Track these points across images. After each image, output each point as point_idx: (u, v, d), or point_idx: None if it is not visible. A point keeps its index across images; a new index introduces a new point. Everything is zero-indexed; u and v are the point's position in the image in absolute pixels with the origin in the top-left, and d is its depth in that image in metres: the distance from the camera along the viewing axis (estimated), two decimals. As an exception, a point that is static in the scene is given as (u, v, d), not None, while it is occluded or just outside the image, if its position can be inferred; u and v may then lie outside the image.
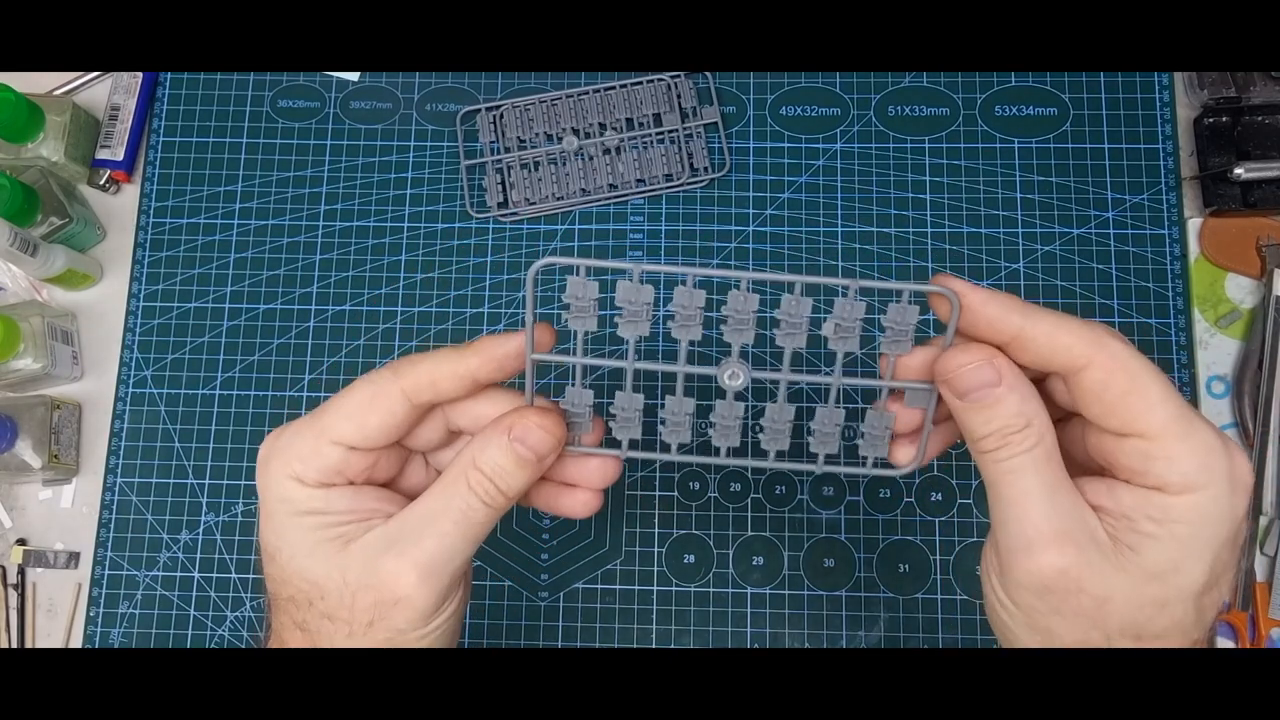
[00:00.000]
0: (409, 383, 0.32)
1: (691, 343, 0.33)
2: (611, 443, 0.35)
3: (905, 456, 0.34)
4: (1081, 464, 0.33)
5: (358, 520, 0.33)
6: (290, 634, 0.34)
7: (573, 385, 0.34)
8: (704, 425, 0.35)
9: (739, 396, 0.33)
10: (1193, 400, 0.55)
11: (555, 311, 0.58)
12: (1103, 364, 0.29)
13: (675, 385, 0.34)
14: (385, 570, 0.31)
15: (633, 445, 0.34)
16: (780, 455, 0.34)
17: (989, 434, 0.30)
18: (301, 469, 0.32)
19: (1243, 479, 0.29)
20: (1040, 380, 0.33)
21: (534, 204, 0.59)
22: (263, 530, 0.34)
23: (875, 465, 0.33)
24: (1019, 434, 0.30)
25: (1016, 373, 0.30)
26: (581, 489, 0.36)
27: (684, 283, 0.32)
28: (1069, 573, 0.29)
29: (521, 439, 0.32)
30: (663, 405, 0.34)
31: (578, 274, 0.32)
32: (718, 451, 0.34)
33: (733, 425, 0.34)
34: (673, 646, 0.54)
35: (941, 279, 0.32)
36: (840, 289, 0.32)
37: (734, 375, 0.32)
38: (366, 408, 0.32)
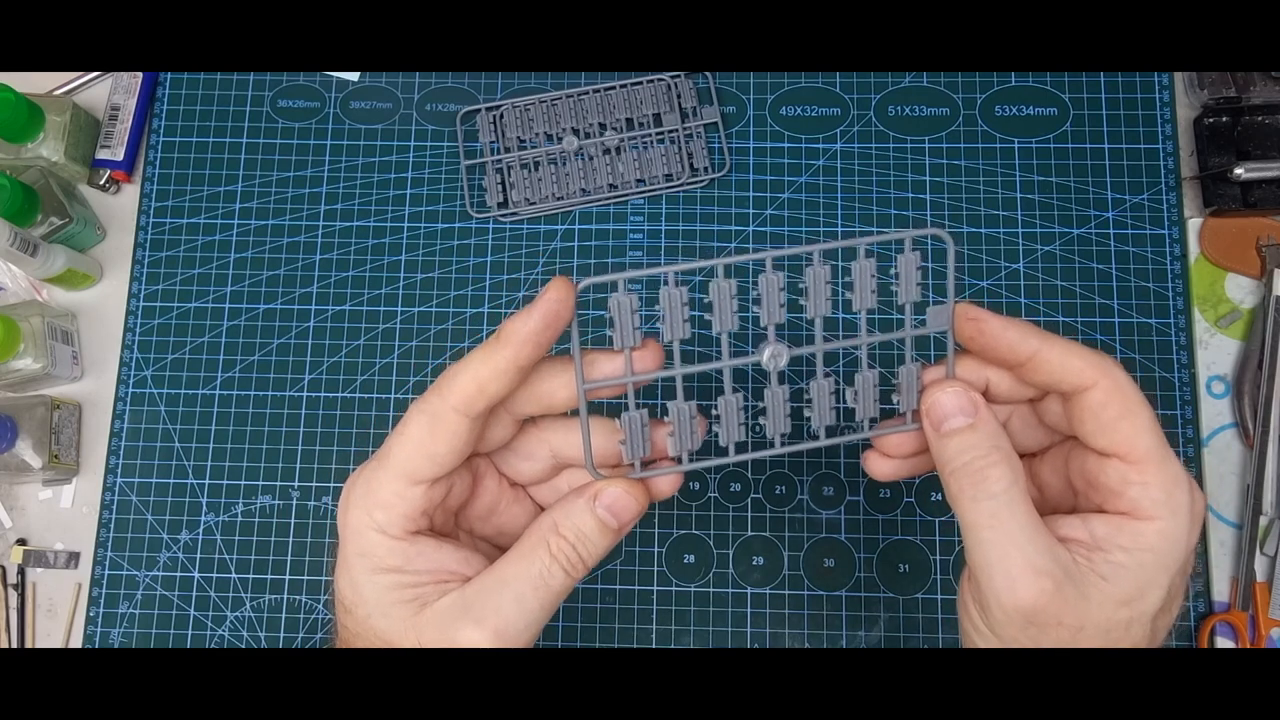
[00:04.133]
0: (459, 399, 0.32)
1: (729, 334, 0.34)
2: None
3: (880, 468, 0.37)
4: (1052, 501, 0.35)
5: (435, 583, 0.32)
6: None
7: (628, 410, 0.34)
8: (752, 422, 0.36)
9: (781, 379, 0.34)
10: (1193, 400, 0.55)
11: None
12: (1106, 387, 0.31)
13: (721, 383, 0.35)
14: (462, 638, 0.31)
15: (691, 456, 0.35)
16: (830, 431, 0.35)
17: (964, 464, 0.32)
18: (385, 519, 0.32)
19: (1199, 513, 0.32)
20: (1035, 400, 0.35)
21: (534, 204, 0.59)
22: (339, 581, 0.33)
23: (913, 421, 0.35)
24: (993, 469, 0.32)
25: (990, 411, 0.33)
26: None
27: (715, 275, 0.33)
28: (1049, 608, 0.31)
29: (610, 508, 0.33)
30: (715, 406, 0.35)
31: (617, 289, 0.33)
32: (773, 443, 0.35)
33: (781, 410, 0.35)
34: (673, 646, 0.54)
35: (961, 317, 0.35)
36: (851, 250, 0.34)
37: (776, 355, 0.34)
38: (430, 438, 0.32)
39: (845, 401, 0.36)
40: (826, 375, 0.35)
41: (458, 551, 0.33)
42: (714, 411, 0.35)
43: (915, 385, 0.34)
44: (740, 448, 0.35)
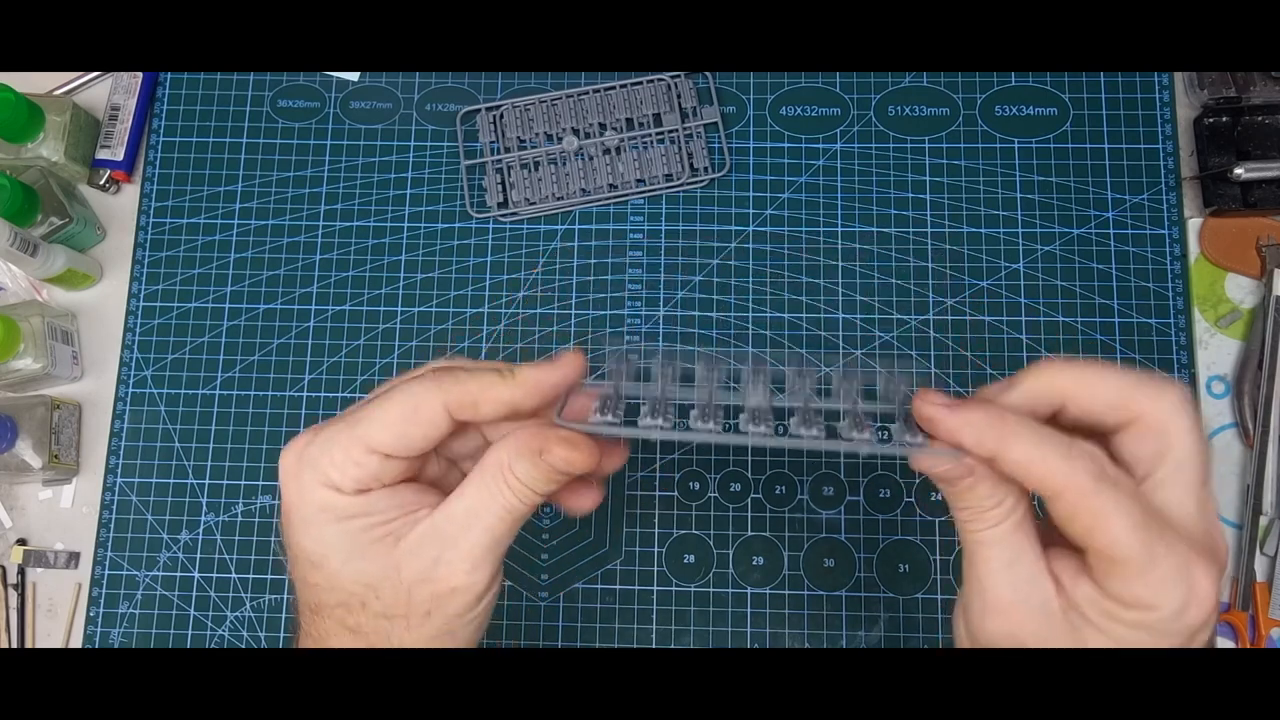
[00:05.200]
0: (453, 400, 0.32)
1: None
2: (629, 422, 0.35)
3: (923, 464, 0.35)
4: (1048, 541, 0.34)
5: (404, 515, 0.33)
6: (338, 638, 0.34)
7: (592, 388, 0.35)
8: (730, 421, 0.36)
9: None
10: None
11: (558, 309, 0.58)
12: (1069, 500, 0.30)
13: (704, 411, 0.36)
14: (441, 563, 0.33)
15: (664, 430, 0.35)
16: (815, 435, 0.35)
17: (965, 508, 0.33)
18: (339, 477, 0.32)
19: (1203, 599, 0.30)
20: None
21: (534, 204, 0.59)
22: (299, 539, 0.34)
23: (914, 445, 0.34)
24: (991, 512, 0.32)
25: (984, 468, 0.32)
26: (587, 486, 0.37)
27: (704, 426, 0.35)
28: (1017, 637, 0.32)
29: (553, 463, 0.33)
30: (691, 404, 0.36)
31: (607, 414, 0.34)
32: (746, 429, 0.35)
33: (765, 412, 0.36)
34: (673, 646, 0.54)
35: (919, 403, 0.33)
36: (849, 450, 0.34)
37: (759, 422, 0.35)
38: (408, 419, 0.32)
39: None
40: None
41: (415, 485, 0.34)
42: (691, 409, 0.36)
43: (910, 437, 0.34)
44: (716, 429, 0.36)
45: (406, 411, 0.32)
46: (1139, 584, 0.30)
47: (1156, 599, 0.30)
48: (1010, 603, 0.32)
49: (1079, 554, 0.32)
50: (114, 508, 0.56)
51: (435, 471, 0.37)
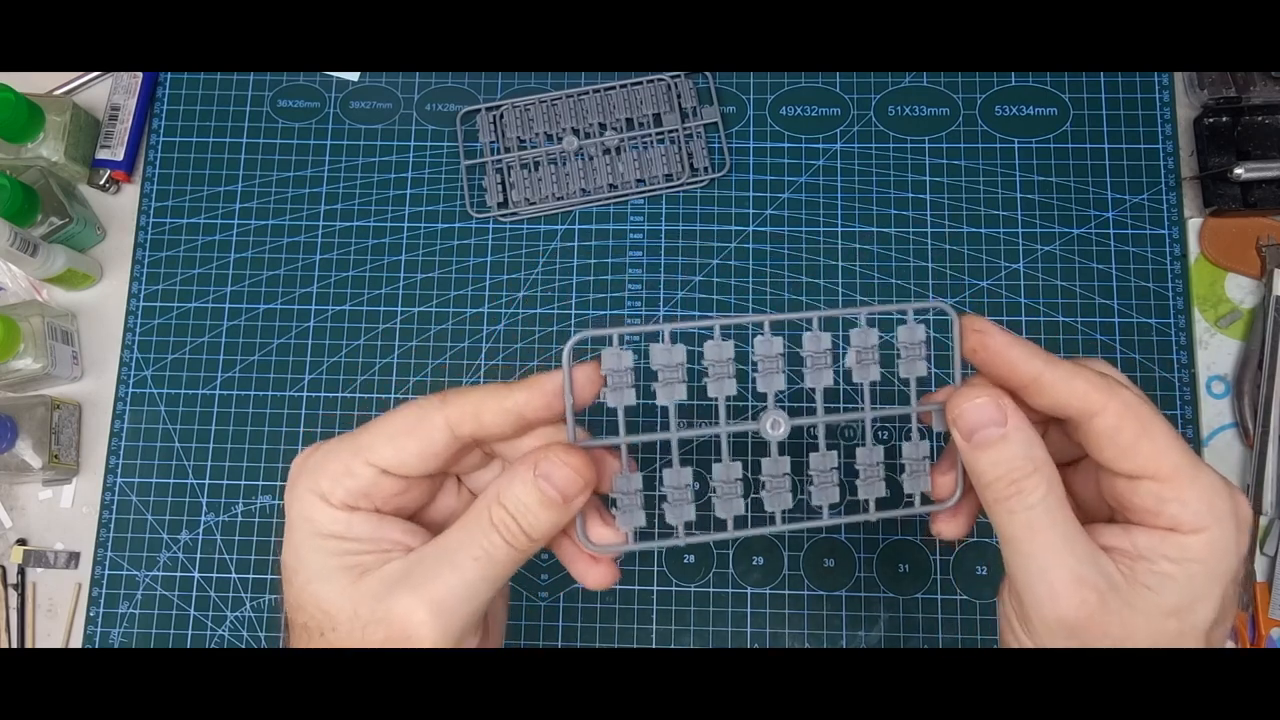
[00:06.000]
0: (454, 412, 0.31)
1: (728, 399, 0.33)
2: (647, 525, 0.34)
3: (946, 485, 0.35)
4: (1089, 510, 0.34)
5: (377, 551, 0.32)
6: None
7: (621, 475, 0.33)
8: (753, 491, 0.35)
9: (782, 449, 0.33)
10: (1193, 400, 0.55)
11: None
12: (1116, 410, 0.30)
13: (720, 449, 0.33)
14: (398, 606, 0.30)
15: (689, 528, 0.33)
16: (834, 509, 0.34)
17: (998, 478, 0.31)
18: (329, 487, 0.31)
19: (1245, 518, 0.31)
20: (1043, 428, 0.34)
21: (534, 204, 0.59)
22: (284, 548, 0.33)
23: (923, 503, 0.34)
24: (1029, 479, 0.30)
25: (1022, 417, 0.31)
26: (604, 562, 0.35)
27: (712, 336, 0.32)
28: (1093, 618, 0.30)
29: (547, 476, 0.31)
30: (711, 477, 0.34)
31: (611, 344, 0.32)
32: (772, 518, 0.34)
33: (782, 483, 0.34)
34: (673, 646, 0.54)
35: (967, 328, 0.32)
36: (852, 319, 0.33)
37: (775, 424, 0.33)
38: (407, 432, 0.31)
39: (849, 481, 0.35)
40: (830, 447, 0.34)
41: (404, 524, 0.33)
42: (711, 483, 0.34)
43: (924, 469, 0.34)
44: (739, 522, 0.34)
45: (408, 423, 0.31)
46: (1193, 498, 0.30)
47: (1210, 514, 0.30)
48: (1079, 580, 0.30)
49: (1112, 522, 0.32)
50: (114, 508, 0.56)
51: (447, 510, 0.35)
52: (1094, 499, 0.34)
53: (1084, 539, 0.31)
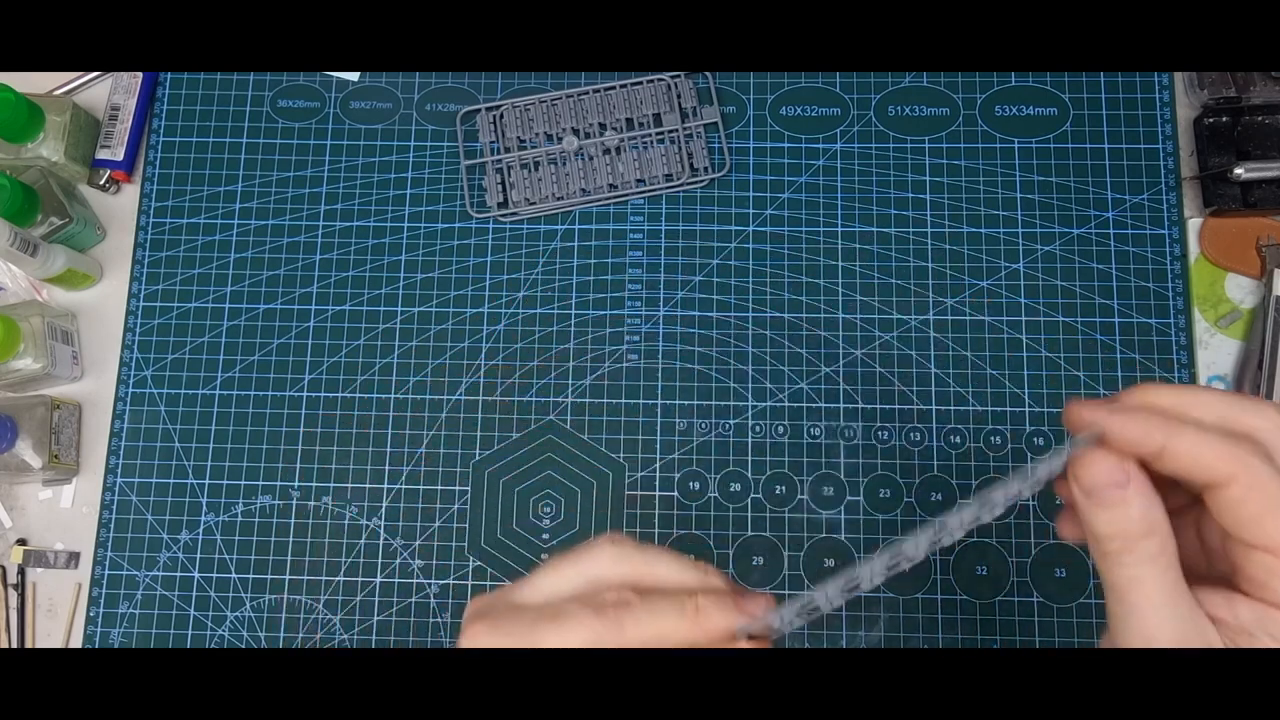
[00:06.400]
0: (636, 642, 0.33)
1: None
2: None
3: (1071, 531, 0.35)
4: (1197, 568, 0.34)
5: None
6: None
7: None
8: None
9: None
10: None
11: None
12: (1244, 482, 0.30)
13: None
14: None
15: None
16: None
17: (1112, 535, 0.31)
18: None
19: None
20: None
21: (534, 204, 0.59)
22: None
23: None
24: (1144, 540, 0.31)
25: (1144, 479, 0.31)
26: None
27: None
28: None
29: (703, 611, 0.34)
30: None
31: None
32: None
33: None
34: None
35: (1074, 410, 0.32)
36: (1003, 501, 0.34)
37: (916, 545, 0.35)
38: (588, 643, 0.33)
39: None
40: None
41: None
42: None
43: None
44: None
45: (587, 639, 0.33)
46: None
47: None
48: (1178, 641, 0.31)
49: (1220, 587, 0.32)
50: (114, 508, 0.56)
51: None
52: (1188, 550, 0.34)
53: (1190, 602, 0.31)
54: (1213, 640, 0.31)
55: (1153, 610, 0.31)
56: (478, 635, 0.33)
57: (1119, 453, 0.31)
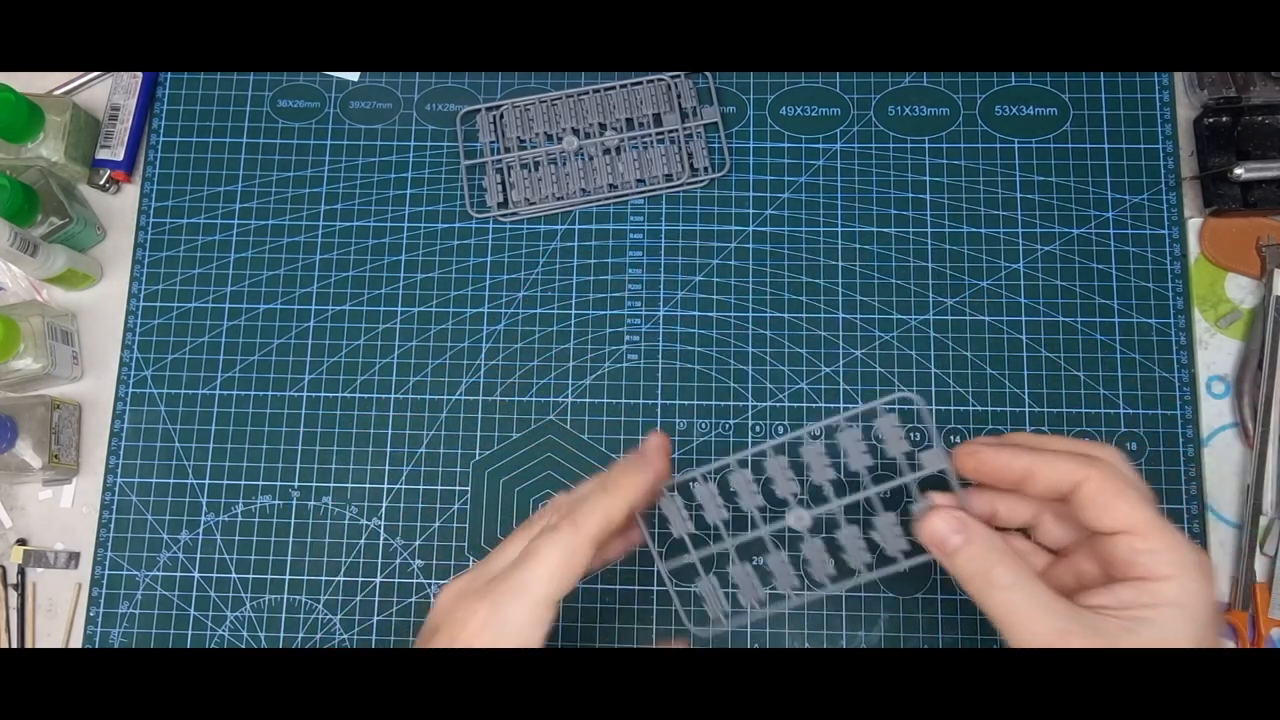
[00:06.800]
0: (596, 531, 0.38)
1: (762, 509, 0.43)
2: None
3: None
4: (1088, 583, 0.39)
5: None
6: None
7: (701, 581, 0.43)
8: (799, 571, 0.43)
9: (813, 531, 0.42)
10: (1193, 400, 0.55)
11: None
12: (1096, 477, 0.37)
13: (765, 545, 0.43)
14: None
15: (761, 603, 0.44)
16: (869, 567, 0.42)
17: (971, 574, 0.38)
18: (531, 634, 0.36)
19: (1209, 570, 0.36)
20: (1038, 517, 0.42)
21: (534, 204, 0.59)
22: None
23: (907, 556, 0.42)
24: (996, 569, 0.37)
25: (977, 523, 0.38)
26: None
27: (732, 469, 0.43)
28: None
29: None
30: (766, 566, 0.44)
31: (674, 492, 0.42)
32: (822, 584, 0.43)
33: (823, 556, 0.43)
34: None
35: (959, 454, 0.40)
36: (835, 426, 0.42)
37: (799, 519, 0.42)
38: (568, 566, 0.37)
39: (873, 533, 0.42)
40: (851, 522, 0.42)
41: None
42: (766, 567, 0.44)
43: (894, 531, 0.42)
44: (796, 590, 0.43)
45: (562, 560, 0.37)
46: (1163, 549, 0.35)
47: (1177, 564, 0.35)
48: (1060, 634, 0.35)
49: (1096, 587, 0.37)
50: (114, 508, 0.56)
51: None
52: (1095, 575, 0.39)
53: (1060, 601, 0.36)
54: (1091, 621, 0.35)
55: (1032, 621, 0.36)
56: (474, 613, 0.36)
57: (949, 508, 0.39)
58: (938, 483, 0.40)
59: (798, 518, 0.42)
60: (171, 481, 0.57)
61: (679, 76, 0.60)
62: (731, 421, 0.56)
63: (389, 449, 0.56)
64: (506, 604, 0.36)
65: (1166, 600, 0.35)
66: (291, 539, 0.56)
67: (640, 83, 0.60)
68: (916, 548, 0.41)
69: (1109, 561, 0.37)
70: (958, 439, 0.55)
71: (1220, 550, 0.53)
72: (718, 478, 0.43)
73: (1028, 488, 0.38)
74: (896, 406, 0.40)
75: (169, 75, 0.62)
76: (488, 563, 0.40)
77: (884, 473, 0.43)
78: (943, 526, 0.38)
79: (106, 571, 0.56)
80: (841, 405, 0.56)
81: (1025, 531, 0.43)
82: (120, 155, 0.60)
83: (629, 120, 0.60)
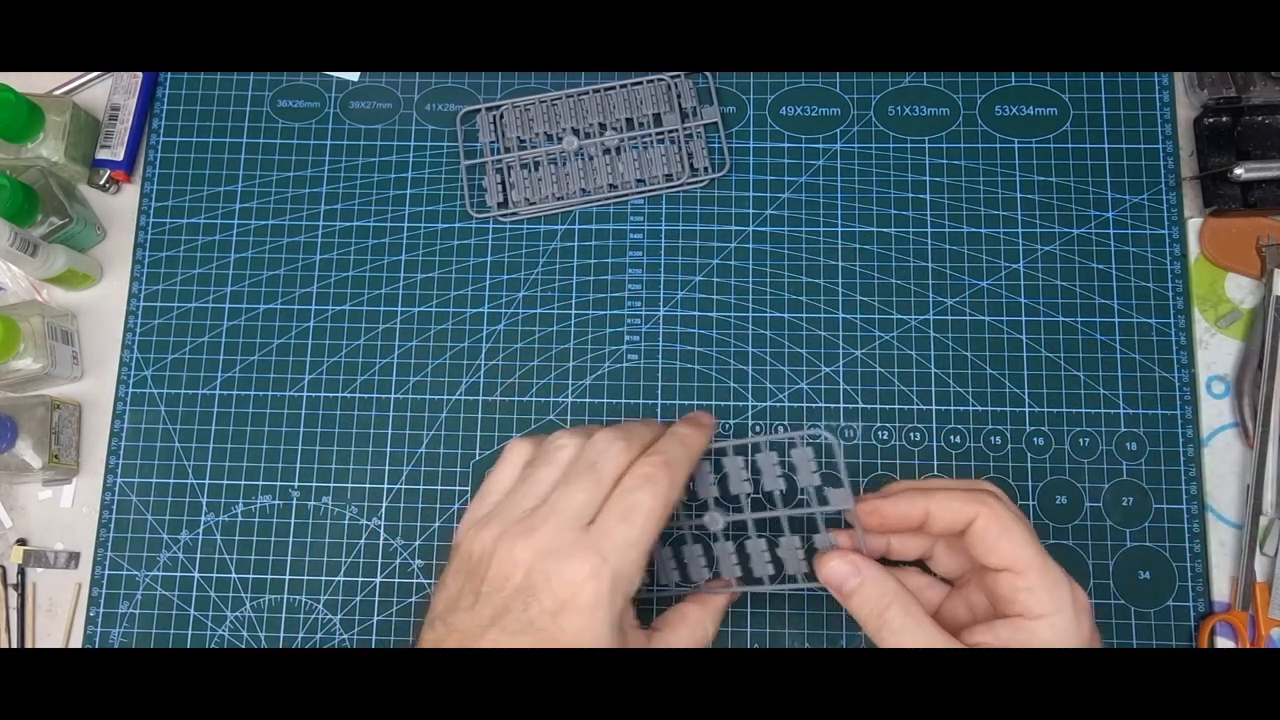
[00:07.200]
0: (682, 479, 0.42)
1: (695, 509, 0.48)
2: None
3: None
4: (981, 618, 0.42)
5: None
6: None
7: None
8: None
9: (730, 538, 0.48)
10: (1193, 400, 0.55)
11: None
12: (984, 515, 0.39)
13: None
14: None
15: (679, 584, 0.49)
16: (771, 579, 0.46)
17: (867, 614, 0.40)
18: (633, 587, 0.39)
19: (1083, 605, 0.39)
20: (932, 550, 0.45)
21: (534, 204, 0.59)
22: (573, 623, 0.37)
23: (806, 579, 0.45)
24: (889, 610, 0.39)
25: (872, 565, 0.41)
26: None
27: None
28: None
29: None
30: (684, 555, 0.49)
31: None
32: (731, 582, 0.48)
33: (732, 560, 0.48)
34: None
35: (862, 513, 0.43)
36: (758, 446, 0.46)
37: (714, 520, 0.47)
38: (665, 513, 0.41)
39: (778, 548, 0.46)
40: (760, 535, 0.47)
41: None
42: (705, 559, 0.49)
43: (796, 555, 0.45)
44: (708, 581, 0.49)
45: (661, 507, 0.40)
46: (1039, 587, 0.38)
47: (1052, 601, 0.38)
48: None
49: (988, 619, 0.40)
50: (114, 508, 0.56)
51: None
52: (984, 607, 0.42)
53: (945, 638, 0.39)
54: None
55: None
56: (578, 569, 0.37)
57: (845, 552, 0.41)
58: (840, 519, 0.44)
59: (712, 519, 0.47)
60: (171, 481, 0.57)
61: (679, 76, 0.60)
62: (731, 421, 0.56)
63: (389, 449, 0.56)
64: (617, 558, 0.38)
65: (1040, 639, 0.37)
66: (291, 539, 0.56)
67: (640, 83, 0.60)
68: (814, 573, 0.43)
69: (994, 596, 0.40)
70: (957, 439, 0.55)
71: (1220, 550, 0.53)
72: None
73: (929, 529, 0.41)
74: (808, 442, 0.44)
75: (169, 75, 0.62)
76: (514, 499, 0.41)
77: (801, 497, 0.47)
78: (840, 568, 0.41)
79: (106, 571, 0.56)
80: (841, 405, 0.56)
81: (922, 563, 0.46)
82: (120, 155, 0.60)
83: (629, 120, 0.60)
